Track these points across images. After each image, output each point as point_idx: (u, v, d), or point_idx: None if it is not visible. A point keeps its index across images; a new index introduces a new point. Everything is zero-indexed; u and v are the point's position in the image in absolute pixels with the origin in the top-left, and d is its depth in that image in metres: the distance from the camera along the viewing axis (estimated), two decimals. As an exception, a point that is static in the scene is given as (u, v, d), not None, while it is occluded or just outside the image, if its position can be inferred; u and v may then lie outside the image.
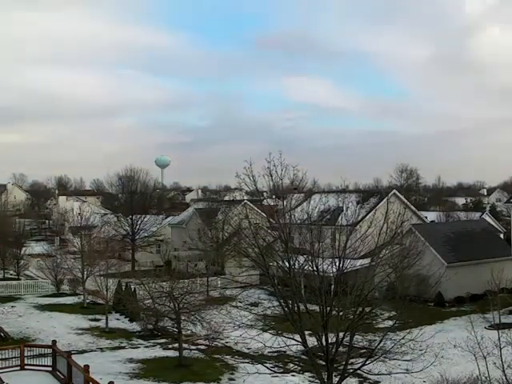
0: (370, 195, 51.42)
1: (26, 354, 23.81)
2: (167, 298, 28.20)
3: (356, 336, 17.44)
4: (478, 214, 71.02)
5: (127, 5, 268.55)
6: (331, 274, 18.11)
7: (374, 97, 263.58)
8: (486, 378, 17.54)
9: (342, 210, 26.87)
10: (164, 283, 29.95)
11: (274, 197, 38.64)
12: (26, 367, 23.53)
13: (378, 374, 19.17)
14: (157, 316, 31.01)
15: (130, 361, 27.82)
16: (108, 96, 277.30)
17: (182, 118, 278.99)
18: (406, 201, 50.37)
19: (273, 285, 18.02)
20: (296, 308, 17.41)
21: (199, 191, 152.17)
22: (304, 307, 17.33)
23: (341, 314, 17.31)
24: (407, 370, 18.88)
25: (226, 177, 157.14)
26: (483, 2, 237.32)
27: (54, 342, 24.93)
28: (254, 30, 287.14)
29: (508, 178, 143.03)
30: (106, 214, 77.06)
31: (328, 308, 16.81)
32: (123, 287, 39.03)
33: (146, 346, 31.28)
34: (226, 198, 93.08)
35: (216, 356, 27.92)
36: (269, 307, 23.55)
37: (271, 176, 17.79)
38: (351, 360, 17.44)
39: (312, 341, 17.89)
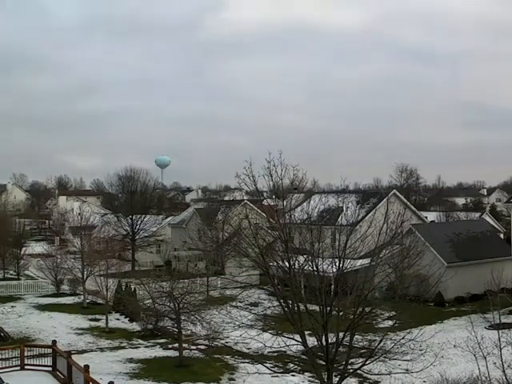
0: (369, 195, 51.41)
1: (26, 354, 23.80)
2: (167, 297, 28.18)
3: (356, 336, 17.44)
4: (477, 214, 71.01)
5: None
6: (331, 274, 18.12)
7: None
8: (485, 378, 17.57)
9: (342, 210, 26.87)
10: (164, 283, 29.94)
11: (274, 197, 38.66)
12: (26, 367, 23.52)
13: (378, 374, 19.20)
14: (157, 316, 31.01)
15: (130, 361, 27.81)
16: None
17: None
18: (405, 201, 50.27)
19: (273, 285, 18.03)
20: (296, 308, 17.41)
21: (199, 191, 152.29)
22: (304, 307, 17.33)
23: (341, 314, 17.31)
24: (407, 370, 18.92)
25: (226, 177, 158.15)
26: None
27: (54, 342, 24.94)
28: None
29: (508, 178, 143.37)
30: (106, 214, 76.93)
31: (328, 308, 16.81)
32: (123, 287, 39.03)
33: (146, 346, 31.27)
34: (226, 198, 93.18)
35: (216, 356, 27.90)
36: (269, 307, 23.56)
37: (271, 176, 17.79)
38: (351, 360, 17.44)
39: (312, 341, 17.89)
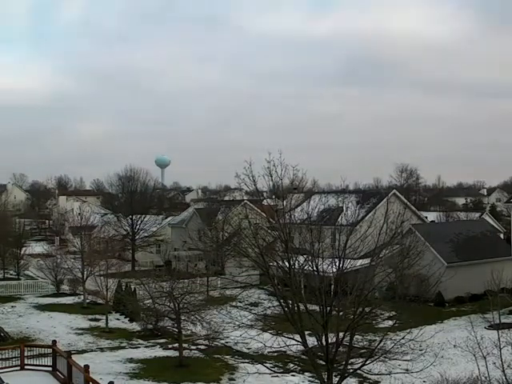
0: (369, 195, 51.38)
1: (26, 354, 23.80)
2: (167, 297, 28.19)
3: (356, 336, 17.44)
4: (477, 214, 71.00)
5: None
6: (331, 274, 18.12)
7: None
8: (485, 378, 17.58)
9: (342, 210, 26.85)
10: (164, 283, 29.93)
11: (273, 197, 38.64)
12: (26, 367, 23.52)
13: (378, 374, 19.19)
14: (157, 316, 31.00)
15: (130, 361, 27.81)
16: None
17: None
18: (405, 201, 50.19)
19: (273, 285, 18.02)
20: (296, 308, 17.41)
21: (199, 191, 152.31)
22: (304, 307, 17.33)
23: (341, 314, 17.31)
24: (407, 370, 18.92)
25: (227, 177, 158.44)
26: None
27: (54, 342, 24.93)
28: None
29: (508, 178, 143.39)
30: (106, 214, 76.93)
31: (328, 308, 16.81)
32: (123, 287, 39.04)
33: (146, 346, 31.27)
34: (226, 198, 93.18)
35: (216, 356, 27.91)
36: (269, 307, 23.60)
37: (271, 176, 17.78)
38: (351, 360, 17.43)
39: (312, 341, 17.90)
